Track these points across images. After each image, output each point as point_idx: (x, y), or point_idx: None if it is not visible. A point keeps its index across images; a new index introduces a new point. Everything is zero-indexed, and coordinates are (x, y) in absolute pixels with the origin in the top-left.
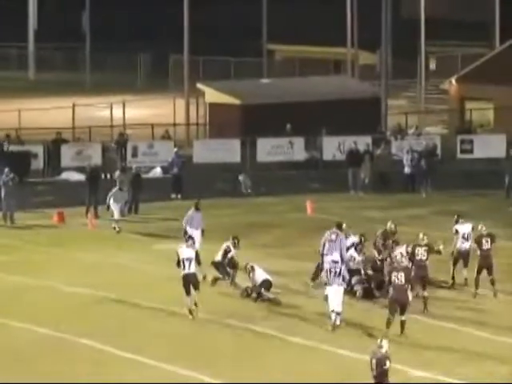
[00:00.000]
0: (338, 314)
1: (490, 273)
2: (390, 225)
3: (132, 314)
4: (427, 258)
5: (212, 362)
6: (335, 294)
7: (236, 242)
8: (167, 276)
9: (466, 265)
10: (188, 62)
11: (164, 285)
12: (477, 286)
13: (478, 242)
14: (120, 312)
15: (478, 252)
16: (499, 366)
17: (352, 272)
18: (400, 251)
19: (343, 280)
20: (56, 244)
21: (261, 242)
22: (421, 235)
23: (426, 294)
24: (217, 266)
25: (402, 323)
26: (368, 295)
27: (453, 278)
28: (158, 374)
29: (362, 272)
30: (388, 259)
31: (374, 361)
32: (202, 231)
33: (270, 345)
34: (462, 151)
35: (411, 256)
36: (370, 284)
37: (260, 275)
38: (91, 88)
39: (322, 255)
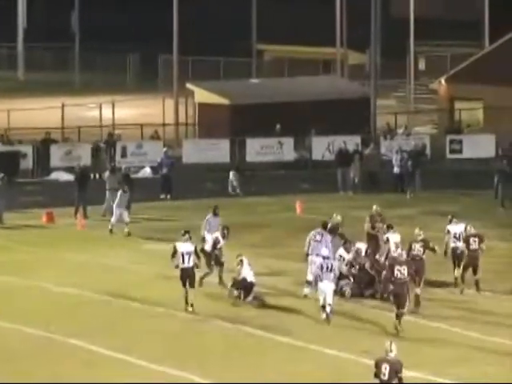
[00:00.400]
0: (329, 305)
1: (475, 273)
2: (375, 208)
3: (121, 314)
4: (423, 253)
5: (201, 362)
6: (326, 290)
7: (226, 232)
8: (156, 276)
9: (458, 265)
10: (177, 61)
11: (153, 285)
12: (463, 281)
13: (466, 241)
14: (109, 312)
15: (466, 252)
16: (490, 365)
17: (340, 275)
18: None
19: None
20: (45, 244)
21: (250, 241)
22: (417, 230)
23: (418, 291)
24: (205, 254)
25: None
26: (357, 295)
27: (456, 278)
28: (147, 374)
29: (349, 268)
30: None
31: (385, 365)
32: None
33: (260, 345)
34: (452, 151)
35: (408, 251)
36: (359, 284)
37: (244, 273)
38: (80, 88)
39: (307, 254)
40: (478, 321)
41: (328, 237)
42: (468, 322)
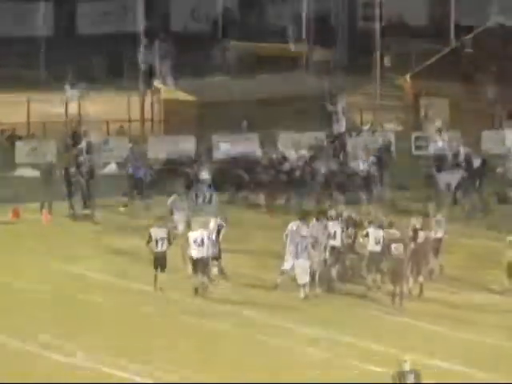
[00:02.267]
0: (305, 285)
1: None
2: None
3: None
4: None
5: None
6: (301, 268)
7: (225, 219)
8: (119, 272)
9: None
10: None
11: (115, 282)
12: None
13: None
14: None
15: None
16: (456, 359)
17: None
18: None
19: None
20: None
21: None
22: (413, 220)
23: (421, 279)
24: None
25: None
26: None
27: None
28: None
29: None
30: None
31: (411, 375)
32: None
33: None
34: (417, 148)
35: (413, 238)
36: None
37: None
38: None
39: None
40: (445, 316)
41: (304, 227)
42: (435, 316)
